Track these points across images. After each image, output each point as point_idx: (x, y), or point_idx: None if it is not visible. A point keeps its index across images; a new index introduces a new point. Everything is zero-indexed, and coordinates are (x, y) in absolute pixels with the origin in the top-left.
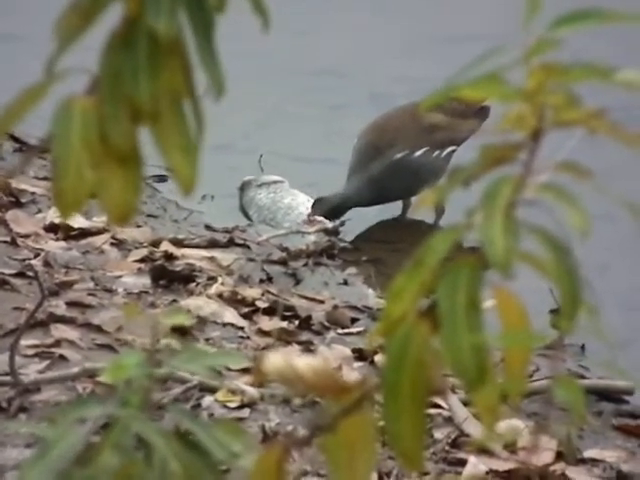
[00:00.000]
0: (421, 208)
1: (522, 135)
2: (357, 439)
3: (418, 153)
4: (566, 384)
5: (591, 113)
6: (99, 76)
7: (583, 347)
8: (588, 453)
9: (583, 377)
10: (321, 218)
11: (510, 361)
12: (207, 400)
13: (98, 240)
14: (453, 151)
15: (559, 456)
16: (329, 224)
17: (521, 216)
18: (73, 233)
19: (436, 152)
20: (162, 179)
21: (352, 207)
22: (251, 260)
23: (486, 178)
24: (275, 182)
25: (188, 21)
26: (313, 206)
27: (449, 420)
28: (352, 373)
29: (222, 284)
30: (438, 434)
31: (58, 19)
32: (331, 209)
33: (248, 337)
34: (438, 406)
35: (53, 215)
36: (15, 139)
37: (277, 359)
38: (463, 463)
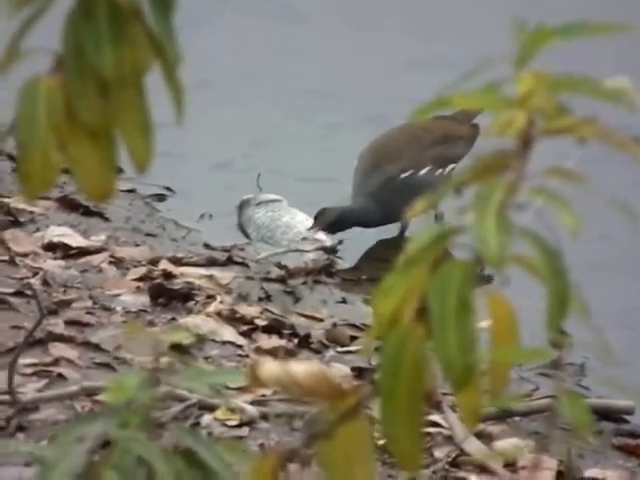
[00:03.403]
0: (415, 216)
1: (512, 143)
2: (354, 447)
3: (422, 172)
4: (571, 401)
5: (581, 120)
6: (62, 53)
7: (583, 366)
8: (589, 473)
9: (583, 397)
10: (321, 233)
11: (494, 365)
12: (206, 419)
13: (96, 259)
14: (453, 168)
15: (560, 475)
16: (328, 242)
17: (513, 221)
18: (72, 252)
19: (439, 170)
20: (161, 198)
21: (355, 224)
22: (250, 278)
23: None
24: (273, 201)
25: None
26: (316, 217)
27: (449, 439)
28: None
29: (221, 302)
30: (438, 453)
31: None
32: (334, 222)
33: (247, 355)
34: (438, 425)
35: (52, 234)
36: (12, 158)
37: (273, 365)
38: None
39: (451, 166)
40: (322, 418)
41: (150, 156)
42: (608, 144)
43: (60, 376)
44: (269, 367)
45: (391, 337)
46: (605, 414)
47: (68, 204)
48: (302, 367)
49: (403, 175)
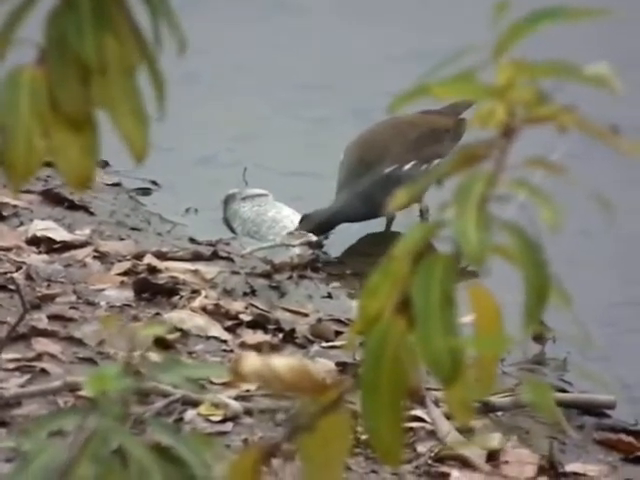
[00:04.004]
0: (397, 208)
1: (494, 133)
2: (333, 437)
3: (407, 167)
4: (535, 386)
5: (561, 109)
6: (44, 42)
7: (565, 361)
8: (570, 467)
9: (565, 391)
10: (308, 234)
11: (481, 359)
12: (190, 414)
13: (80, 253)
14: (438, 164)
15: (541, 470)
16: (313, 237)
17: (493, 212)
18: (55, 246)
19: (424, 165)
20: (146, 192)
21: (341, 223)
22: (235, 273)
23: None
24: (259, 195)
25: None
26: (300, 222)
27: (432, 434)
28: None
29: (206, 297)
30: (421, 448)
31: None
32: (319, 225)
33: (232, 350)
34: (421, 420)
35: (35, 228)
36: None
37: (254, 359)
38: (446, 477)
39: (436, 161)
40: (304, 411)
41: (147, 145)
42: (587, 134)
43: (43, 371)
44: (251, 361)
45: (373, 331)
46: (587, 409)
47: (52, 198)
48: (283, 361)
49: (387, 170)
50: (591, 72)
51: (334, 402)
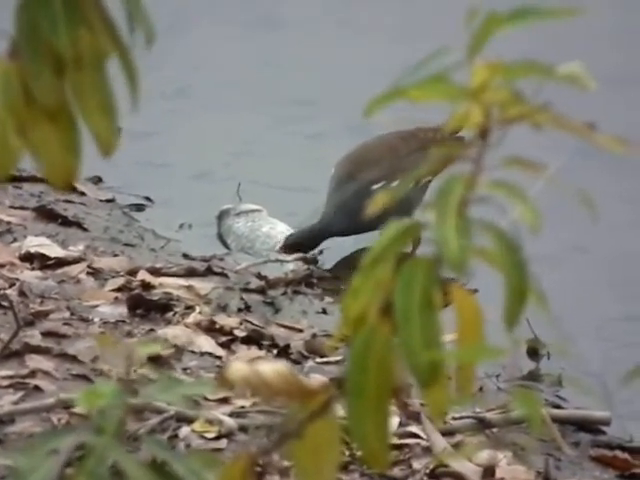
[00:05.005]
0: (375, 211)
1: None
2: (323, 443)
3: (395, 184)
4: (524, 399)
5: (535, 108)
6: (16, 35)
7: (560, 377)
8: None
9: (560, 407)
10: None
11: (460, 363)
12: (184, 431)
13: (74, 269)
14: (429, 182)
15: None
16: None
17: (473, 213)
18: (49, 262)
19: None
20: (140, 208)
21: (327, 238)
22: (229, 289)
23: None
24: (253, 211)
25: None
26: (284, 242)
27: (427, 450)
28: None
29: (200, 313)
30: (416, 464)
31: None
32: (306, 241)
33: None
34: (416, 436)
35: (29, 244)
36: None
37: (241, 366)
38: None
39: (427, 179)
40: (292, 418)
41: (114, 138)
42: (563, 131)
43: (36, 388)
44: (237, 368)
45: (358, 334)
46: (582, 425)
47: (46, 214)
48: (270, 367)
49: (375, 186)
50: (564, 71)
51: (322, 408)
